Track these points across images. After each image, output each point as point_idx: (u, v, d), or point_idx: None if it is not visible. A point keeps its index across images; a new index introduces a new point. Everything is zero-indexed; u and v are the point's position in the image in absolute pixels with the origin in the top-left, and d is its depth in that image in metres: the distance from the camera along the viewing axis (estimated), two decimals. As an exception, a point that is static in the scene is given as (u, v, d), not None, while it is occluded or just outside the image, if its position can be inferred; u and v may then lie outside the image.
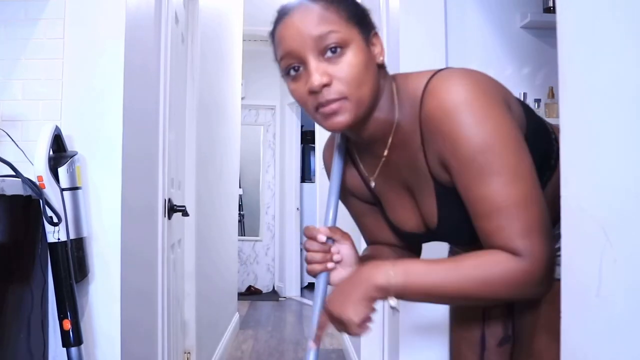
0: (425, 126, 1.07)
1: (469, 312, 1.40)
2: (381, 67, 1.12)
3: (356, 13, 1.08)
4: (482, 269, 1.00)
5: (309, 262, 1.19)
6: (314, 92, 1.04)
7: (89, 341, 1.73)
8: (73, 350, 1.61)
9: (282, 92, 7.14)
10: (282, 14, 1.09)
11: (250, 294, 7.01)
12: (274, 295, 7.06)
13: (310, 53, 1.04)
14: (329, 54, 1.03)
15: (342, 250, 1.20)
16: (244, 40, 5.36)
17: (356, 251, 1.22)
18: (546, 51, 2.48)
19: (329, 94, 1.03)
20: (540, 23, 2.43)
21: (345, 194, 1.33)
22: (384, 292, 1.03)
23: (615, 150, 0.80)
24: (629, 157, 0.77)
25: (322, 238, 1.16)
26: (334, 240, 1.20)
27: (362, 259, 1.24)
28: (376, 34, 1.12)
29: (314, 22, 1.04)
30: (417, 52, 2.25)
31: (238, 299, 5.38)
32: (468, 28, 2.41)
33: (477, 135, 0.99)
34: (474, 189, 1.01)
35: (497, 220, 1.00)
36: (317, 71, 1.03)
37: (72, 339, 1.61)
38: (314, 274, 1.20)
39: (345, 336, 4.32)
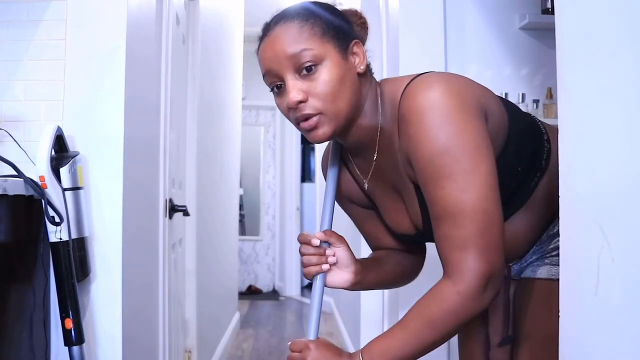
0: (400, 127, 1.10)
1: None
2: (363, 75, 1.14)
3: (332, 27, 1.11)
4: (423, 315, 1.03)
5: (305, 265, 1.22)
6: (290, 109, 1.09)
7: (90, 340, 1.74)
8: (75, 349, 1.61)
9: (282, 92, 7.13)
10: (264, 34, 1.14)
11: (250, 293, 7.01)
12: (274, 294, 7.07)
13: (287, 71, 1.08)
14: (304, 71, 1.08)
15: (337, 252, 1.23)
16: (244, 40, 5.36)
17: (352, 253, 1.24)
18: (545, 52, 2.49)
19: (305, 109, 1.07)
20: (539, 24, 2.43)
21: (344, 201, 1.36)
22: None
23: (613, 150, 0.80)
24: (626, 157, 0.77)
25: (315, 242, 1.20)
26: (329, 244, 1.23)
27: (361, 260, 1.27)
28: (357, 43, 1.14)
29: (288, 42, 1.08)
30: (417, 53, 2.25)
31: (238, 298, 5.39)
32: (467, 29, 2.42)
33: (437, 137, 1.01)
34: (429, 191, 1.04)
35: (445, 227, 1.02)
36: (293, 89, 1.07)
37: (74, 337, 1.61)
38: (310, 277, 1.22)
39: (346, 336, 4.32)
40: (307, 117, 1.08)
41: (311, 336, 1.18)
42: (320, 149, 5.37)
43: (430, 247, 1.36)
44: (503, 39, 2.46)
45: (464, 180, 1.00)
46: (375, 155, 1.18)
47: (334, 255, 1.22)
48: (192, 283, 3.08)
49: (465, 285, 1.00)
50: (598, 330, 0.83)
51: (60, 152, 1.68)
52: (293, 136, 7.06)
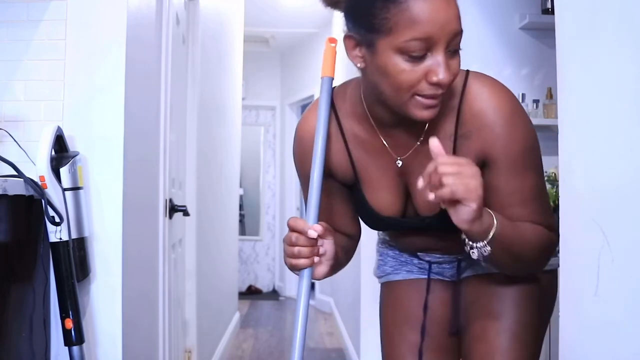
0: (469, 122, 1.14)
1: (407, 310, 1.41)
2: None
3: None
4: (537, 234, 1.16)
5: (293, 256, 1.13)
6: (435, 85, 1.03)
7: (90, 340, 1.74)
8: (75, 349, 1.61)
9: (282, 93, 7.15)
10: None
11: (250, 293, 7.01)
12: (274, 294, 7.07)
13: (443, 45, 1.02)
14: (449, 53, 1.04)
15: (325, 244, 1.17)
16: (244, 41, 5.37)
17: (335, 245, 1.19)
18: (544, 52, 2.49)
19: (440, 90, 1.05)
20: (539, 24, 2.44)
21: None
22: (488, 228, 1.08)
23: (613, 150, 0.80)
24: (626, 157, 0.77)
25: (313, 234, 1.12)
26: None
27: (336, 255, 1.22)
28: None
29: (456, 16, 1.04)
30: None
31: (238, 298, 5.39)
32: (467, 29, 2.41)
33: (526, 138, 1.15)
34: (518, 180, 1.15)
35: (534, 205, 1.17)
36: (449, 67, 1.03)
37: (74, 337, 1.61)
38: (299, 269, 1.15)
39: (346, 335, 4.32)
40: (437, 97, 1.06)
41: (297, 341, 1.12)
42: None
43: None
44: (503, 39, 2.47)
45: (541, 172, 1.20)
46: (423, 136, 1.18)
47: (322, 246, 1.17)
48: (192, 283, 3.08)
49: (555, 232, 1.15)
50: (598, 331, 0.83)
51: (60, 152, 1.68)
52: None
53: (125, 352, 1.79)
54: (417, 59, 1.03)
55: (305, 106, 6.51)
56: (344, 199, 1.33)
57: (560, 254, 0.96)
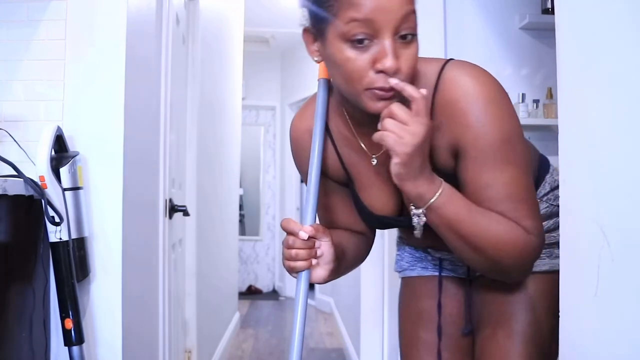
0: (441, 112, 1.08)
1: (422, 309, 1.40)
2: None
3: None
4: (503, 226, 1.05)
5: (290, 258, 1.12)
6: (382, 73, 0.99)
7: (90, 340, 1.74)
8: (75, 349, 1.61)
9: (282, 93, 7.15)
10: None
11: (250, 293, 7.02)
12: (274, 294, 7.07)
13: (388, 30, 0.97)
14: (399, 38, 0.99)
15: (322, 246, 1.15)
16: (244, 41, 5.37)
17: (334, 247, 1.17)
18: (545, 52, 2.49)
19: (394, 80, 0.99)
20: (539, 24, 2.44)
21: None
22: (425, 194, 1.05)
23: (613, 150, 0.80)
24: (627, 158, 0.77)
25: (304, 235, 1.11)
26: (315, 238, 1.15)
27: (337, 259, 1.19)
28: None
29: None
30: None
31: (238, 299, 5.39)
32: (467, 29, 2.42)
33: (502, 127, 1.05)
34: (490, 174, 1.06)
35: (511, 203, 1.06)
36: (395, 54, 0.98)
37: (74, 337, 1.61)
38: (296, 271, 1.13)
39: (346, 335, 4.32)
40: (391, 88, 1.00)
41: (296, 342, 1.12)
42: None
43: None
44: (503, 39, 2.46)
45: (525, 167, 1.09)
46: None
47: (320, 248, 1.15)
48: (192, 283, 3.08)
49: (540, 242, 1.09)
50: (598, 330, 0.83)
51: (60, 152, 1.68)
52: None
53: (125, 352, 1.79)
54: (362, 45, 0.99)
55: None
56: (345, 197, 1.31)
57: (561, 254, 0.95)
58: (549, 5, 2.46)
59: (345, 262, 1.25)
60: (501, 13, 2.45)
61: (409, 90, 0.99)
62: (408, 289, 1.46)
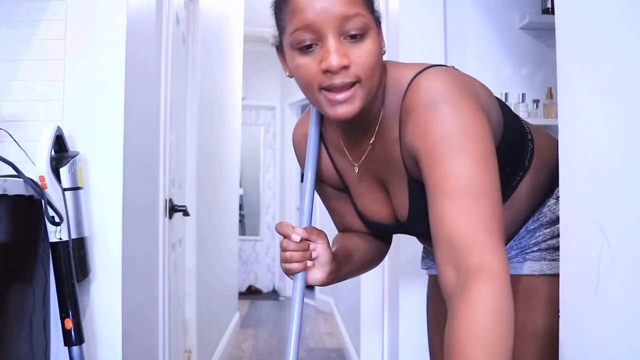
0: (403, 117, 1.06)
1: (444, 312, 1.40)
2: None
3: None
4: (478, 337, 0.82)
5: (286, 261, 1.14)
6: (328, 72, 0.98)
7: (90, 340, 1.74)
8: (74, 349, 1.61)
9: (282, 93, 7.14)
10: None
11: (250, 293, 7.02)
12: (274, 294, 7.07)
13: (331, 31, 0.98)
14: (348, 38, 0.99)
15: (317, 248, 1.16)
16: (244, 41, 5.36)
17: (331, 250, 1.18)
18: (545, 52, 2.49)
19: (345, 76, 0.99)
20: (539, 24, 2.43)
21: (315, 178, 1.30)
22: None
23: (613, 150, 0.80)
24: (627, 157, 0.77)
25: (296, 238, 1.12)
26: (309, 241, 1.16)
27: (335, 255, 1.19)
28: (380, 22, 1.08)
29: (343, 0, 0.99)
30: (417, 53, 2.25)
31: (238, 299, 5.39)
32: (467, 29, 2.42)
33: (452, 122, 0.97)
34: (440, 167, 0.95)
35: (469, 201, 0.91)
36: (338, 52, 0.98)
37: (74, 338, 1.61)
38: (291, 274, 1.16)
39: (346, 335, 4.32)
40: (343, 87, 0.99)
41: (292, 345, 1.14)
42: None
43: (405, 236, 1.35)
44: (503, 39, 2.46)
45: (483, 160, 0.95)
46: (373, 139, 1.14)
47: (315, 250, 1.15)
48: (192, 283, 3.08)
49: (503, 267, 0.87)
50: (598, 331, 0.83)
51: (60, 152, 1.68)
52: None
53: (125, 353, 1.79)
54: (310, 50, 1.00)
55: (305, 106, 6.52)
56: (348, 202, 1.30)
57: (561, 254, 0.95)
58: (549, 5, 2.46)
59: (350, 265, 1.25)
60: (501, 13, 2.45)
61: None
62: (434, 288, 1.46)
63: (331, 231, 1.30)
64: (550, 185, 1.22)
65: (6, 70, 1.80)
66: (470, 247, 0.88)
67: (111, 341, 1.77)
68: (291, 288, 4.82)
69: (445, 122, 0.97)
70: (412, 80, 1.05)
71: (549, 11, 2.45)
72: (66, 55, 1.80)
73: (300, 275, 1.15)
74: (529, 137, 1.22)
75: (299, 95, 6.65)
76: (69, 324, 1.61)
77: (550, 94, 2.52)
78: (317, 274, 1.17)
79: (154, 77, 2.19)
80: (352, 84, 1.00)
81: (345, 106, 1.00)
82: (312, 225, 1.19)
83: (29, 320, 1.61)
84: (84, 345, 1.63)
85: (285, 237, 1.14)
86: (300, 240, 1.13)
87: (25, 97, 1.80)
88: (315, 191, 1.31)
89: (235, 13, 4.83)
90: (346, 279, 1.28)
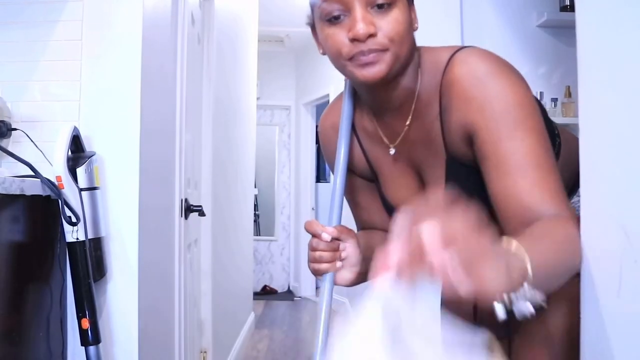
0: (447, 94, 1.06)
1: (458, 310, 1.38)
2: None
3: None
4: (563, 243, 0.89)
5: (314, 260, 1.12)
6: (356, 40, 1.01)
7: (107, 340, 1.75)
8: (91, 348, 1.62)
9: (297, 93, 7.15)
10: None
11: (265, 293, 7.02)
12: (289, 294, 7.07)
13: (358, 1, 1.01)
14: (376, 8, 1.01)
15: (347, 248, 1.13)
16: (258, 40, 5.37)
17: (360, 249, 1.15)
18: (563, 50, 2.47)
19: (373, 44, 1.01)
20: (557, 22, 2.41)
21: None
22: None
23: (635, 150, 0.79)
24: (650, 157, 0.76)
25: (326, 237, 1.10)
26: (339, 240, 1.13)
27: (365, 262, 1.16)
28: (413, 1, 1.10)
29: None
30: (433, 51, 2.24)
31: (253, 299, 5.39)
32: (484, 27, 2.40)
33: (510, 96, 0.99)
34: (504, 142, 0.98)
35: (537, 174, 0.95)
36: (364, 20, 1.00)
37: (91, 337, 1.62)
38: (320, 274, 1.13)
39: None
40: (371, 52, 1.01)
41: (319, 347, 1.10)
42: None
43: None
44: (521, 37, 2.44)
45: (541, 135, 0.99)
46: (409, 120, 1.13)
47: (345, 251, 1.13)
48: (207, 283, 3.09)
49: (577, 224, 0.92)
50: (621, 332, 0.82)
51: (77, 152, 1.69)
52: (308, 136, 7.06)
53: (141, 353, 1.80)
54: (339, 21, 1.03)
55: (320, 105, 6.52)
56: (375, 195, 1.28)
57: (582, 255, 0.94)
58: (567, 3, 2.44)
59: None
60: (519, 11, 2.43)
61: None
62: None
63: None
64: (574, 182, 1.20)
65: (23, 71, 1.81)
66: (548, 210, 0.93)
67: (127, 341, 1.78)
68: (306, 288, 4.87)
69: (502, 95, 0.99)
70: (450, 58, 1.07)
71: (567, 8, 2.43)
72: (82, 56, 1.81)
73: (328, 276, 1.12)
74: (556, 132, 1.21)
75: (314, 95, 6.66)
76: (86, 323, 1.61)
77: (569, 93, 2.50)
78: (347, 274, 1.14)
79: (169, 78, 2.19)
80: (380, 50, 1.01)
81: (374, 67, 1.02)
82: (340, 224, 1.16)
83: (46, 320, 1.62)
84: (100, 345, 1.64)
85: (314, 236, 1.11)
86: (330, 240, 1.11)
87: (42, 97, 1.81)
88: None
89: (250, 13, 4.84)
90: (365, 280, 1.27)
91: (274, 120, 7.38)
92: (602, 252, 0.86)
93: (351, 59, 1.03)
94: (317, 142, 7.19)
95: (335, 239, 1.12)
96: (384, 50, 1.01)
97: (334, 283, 1.14)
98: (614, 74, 0.84)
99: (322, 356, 1.11)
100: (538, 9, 2.43)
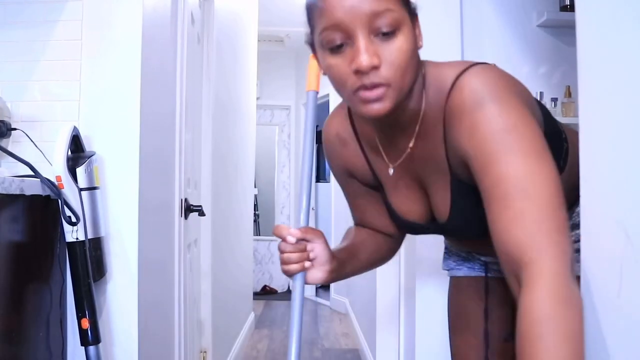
0: (448, 118, 1.04)
1: (469, 313, 1.39)
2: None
3: None
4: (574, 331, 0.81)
5: (284, 262, 1.15)
6: (359, 73, 0.97)
7: (106, 340, 1.75)
8: (91, 348, 1.62)
9: (297, 92, 7.15)
10: None
11: (265, 293, 7.02)
12: (289, 294, 7.04)
13: (361, 30, 0.96)
14: (380, 35, 0.96)
15: (315, 248, 1.16)
16: (258, 40, 5.37)
17: (329, 249, 1.18)
18: (563, 50, 2.47)
19: (376, 77, 0.96)
20: (557, 21, 2.41)
21: (344, 175, 1.31)
22: None
23: (636, 150, 0.79)
24: (650, 157, 0.76)
25: (291, 239, 1.13)
26: (306, 240, 1.16)
27: (337, 254, 1.20)
28: (417, 15, 1.06)
29: None
30: (433, 51, 2.23)
31: (253, 299, 5.39)
32: (484, 27, 2.40)
33: (501, 119, 0.95)
34: (491, 170, 0.93)
35: (515, 205, 0.88)
36: (368, 51, 0.95)
37: (90, 337, 1.62)
38: (291, 275, 1.16)
39: (361, 336, 4.31)
40: (374, 86, 0.97)
41: (293, 342, 1.16)
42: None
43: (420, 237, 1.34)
44: (521, 37, 2.44)
45: (533, 156, 0.91)
46: (412, 142, 1.12)
47: (313, 251, 1.16)
48: (207, 283, 3.09)
49: (562, 263, 0.84)
50: (621, 333, 0.81)
51: (77, 152, 1.69)
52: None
53: (141, 352, 1.80)
54: (341, 50, 0.98)
55: (320, 105, 6.51)
56: (373, 201, 1.30)
57: (582, 255, 0.94)
58: (567, 2, 2.43)
59: (355, 263, 1.26)
60: (518, 10, 2.43)
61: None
62: (456, 289, 1.46)
63: (333, 231, 1.29)
64: None
65: (23, 70, 1.81)
66: (523, 255, 0.86)
67: (127, 341, 1.78)
68: (306, 288, 4.85)
69: (492, 121, 0.95)
70: (455, 79, 1.03)
71: (567, 8, 2.43)
72: (82, 56, 1.81)
73: (299, 276, 1.16)
74: (564, 137, 1.20)
75: (314, 95, 6.64)
76: (86, 323, 1.61)
77: (569, 93, 2.50)
78: (317, 273, 1.17)
79: (169, 77, 2.19)
80: (383, 85, 0.98)
81: (378, 104, 0.99)
82: (309, 225, 1.20)
83: (46, 320, 1.62)
84: (100, 345, 1.64)
85: (281, 238, 1.15)
86: (296, 241, 1.14)
87: (42, 97, 1.81)
88: (341, 187, 1.32)
89: (249, 12, 4.84)
90: (352, 276, 1.29)
91: (274, 120, 7.38)
92: (602, 252, 0.86)
93: (355, 91, 0.99)
94: (317, 142, 7.20)
95: (302, 240, 1.15)
96: (388, 85, 0.98)
97: (305, 282, 1.17)
98: (614, 74, 0.84)
99: (296, 353, 1.17)
100: (538, 9, 2.43)
